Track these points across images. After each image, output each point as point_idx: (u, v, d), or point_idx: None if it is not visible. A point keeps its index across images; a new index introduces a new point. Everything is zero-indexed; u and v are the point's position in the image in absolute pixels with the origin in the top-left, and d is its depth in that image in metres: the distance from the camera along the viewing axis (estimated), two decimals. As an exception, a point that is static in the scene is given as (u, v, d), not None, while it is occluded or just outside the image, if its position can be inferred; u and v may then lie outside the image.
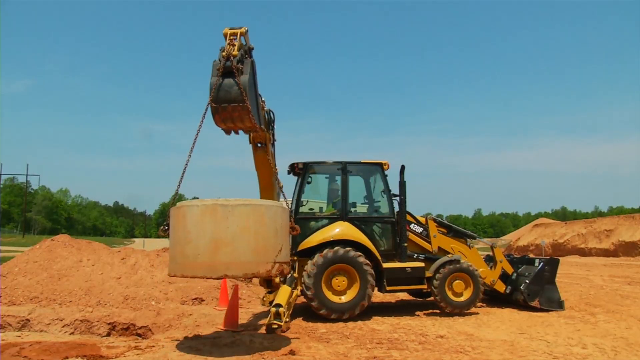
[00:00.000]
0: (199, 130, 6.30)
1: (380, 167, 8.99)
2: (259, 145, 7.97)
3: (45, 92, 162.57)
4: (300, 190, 8.75)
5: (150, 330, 7.81)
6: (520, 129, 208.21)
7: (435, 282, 8.55)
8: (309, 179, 8.80)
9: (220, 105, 6.18)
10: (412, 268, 8.61)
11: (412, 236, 8.99)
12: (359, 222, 8.68)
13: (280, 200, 7.89)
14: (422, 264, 8.77)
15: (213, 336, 6.64)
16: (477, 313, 8.73)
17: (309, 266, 7.89)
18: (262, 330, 7.01)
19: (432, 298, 8.92)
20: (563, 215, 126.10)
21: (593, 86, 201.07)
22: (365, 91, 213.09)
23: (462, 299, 8.61)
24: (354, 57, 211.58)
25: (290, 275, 7.76)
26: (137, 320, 8.13)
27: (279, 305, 6.78)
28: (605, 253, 27.77)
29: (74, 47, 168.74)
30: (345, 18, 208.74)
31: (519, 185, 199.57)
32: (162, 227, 6.28)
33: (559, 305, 9.02)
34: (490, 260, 9.84)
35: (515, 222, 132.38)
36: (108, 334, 8.07)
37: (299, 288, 7.97)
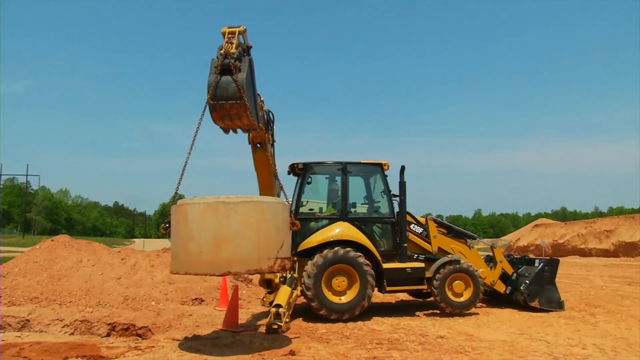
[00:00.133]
0: (198, 127, 6.33)
1: (380, 168, 8.99)
2: (258, 145, 7.98)
3: (45, 93, 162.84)
4: (300, 191, 8.75)
5: (150, 331, 7.80)
6: (520, 129, 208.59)
7: (435, 283, 8.55)
8: (309, 180, 8.80)
9: (218, 102, 6.20)
10: (412, 268, 8.61)
11: (412, 236, 8.99)
12: (359, 222, 8.68)
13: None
14: (422, 265, 8.77)
15: (213, 336, 6.64)
16: (477, 313, 8.73)
17: (309, 266, 7.89)
18: (262, 330, 7.01)
19: (432, 298, 8.92)
20: (563, 216, 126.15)
21: (593, 86, 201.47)
22: (365, 91, 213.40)
23: (462, 299, 8.61)
24: (354, 57, 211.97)
25: (290, 275, 7.77)
26: (137, 321, 8.13)
27: (279, 306, 6.79)
28: (605, 253, 27.75)
29: (74, 47, 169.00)
30: (345, 18, 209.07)
31: (519, 186, 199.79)
32: (162, 224, 6.29)
33: (559, 305, 9.01)
34: (490, 260, 9.84)
35: (515, 222, 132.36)
36: (108, 335, 8.07)
37: (299, 288, 7.97)
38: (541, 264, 9.25)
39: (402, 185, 8.91)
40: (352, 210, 8.85)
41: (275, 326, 6.68)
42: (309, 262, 7.96)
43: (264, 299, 9.31)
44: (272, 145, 8.42)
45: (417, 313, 8.90)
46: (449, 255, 9.04)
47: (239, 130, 7.14)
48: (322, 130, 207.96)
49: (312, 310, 7.90)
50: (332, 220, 8.58)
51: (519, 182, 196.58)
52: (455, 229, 9.59)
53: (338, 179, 8.99)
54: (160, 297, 9.43)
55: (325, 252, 7.95)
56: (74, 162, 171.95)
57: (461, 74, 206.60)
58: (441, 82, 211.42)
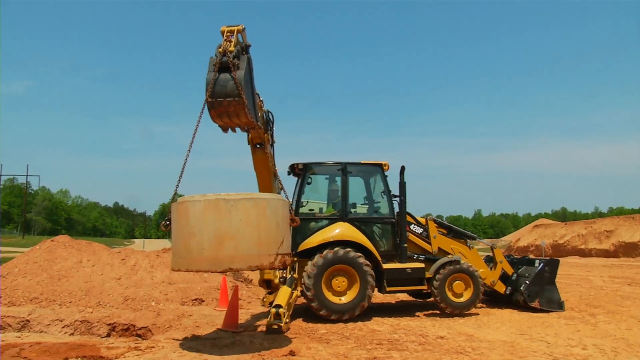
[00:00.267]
0: (197, 125, 6.36)
1: (380, 168, 9.00)
2: (258, 146, 7.99)
3: (45, 93, 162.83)
4: (300, 191, 8.75)
5: (150, 331, 7.80)
6: (520, 129, 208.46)
7: (435, 283, 8.55)
8: (309, 180, 8.80)
9: (216, 100, 6.22)
10: (412, 269, 8.61)
11: (412, 237, 8.99)
12: (359, 222, 8.68)
13: None
14: (422, 265, 8.77)
15: (213, 337, 6.64)
16: (477, 314, 8.73)
17: (309, 267, 7.89)
18: (262, 330, 7.00)
19: (432, 299, 8.92)
20: (563, 216, 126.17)
21: (593, 86, 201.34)
22: (365, 92, 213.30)
23: (462, 299, 8.61)
24: (354, 57, 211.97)
25: (290, 276, 7.77)
26: (137, 321, 8.13)
27: (279, 306, 6.79)
28: (605, 254, 27.74)
29: (74, 47, 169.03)
30: (345, 18, 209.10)
31: (519, 186, 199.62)
32: (163, 222, 6.30)
33: (559, 306, 9.01)
34: (490, 261, 9.84)
35: (515, 222, 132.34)
36: (108, 335, 8.07)
37: (299, 289, 7.98)
38: (541, 265, 9.25)
39: (402, 185, 8.92)
40: (352, 210, 8.85)
41: (275, 326, 6.68)
42: (309, 262, 7.96)
43: (264, 300, 9.32)
44: (272, 146, 8.42)
45: (417, 313, 8.89)
46: (449, 256, 9.04)
47: (238, 130, 7.15)
48: (322, 131, 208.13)
49: (312, 311, 7.89)
50: (332, 220, 8.58)
51: (519, 183, 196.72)
52: (455, 229, 9.59)
53: (338, 179, 8.99)
54: (160, 297, 9.43)
55: (325, 252, 7.94)
56: (74, 162, 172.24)
57: (461, 74, 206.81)
58: (441, 82, 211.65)
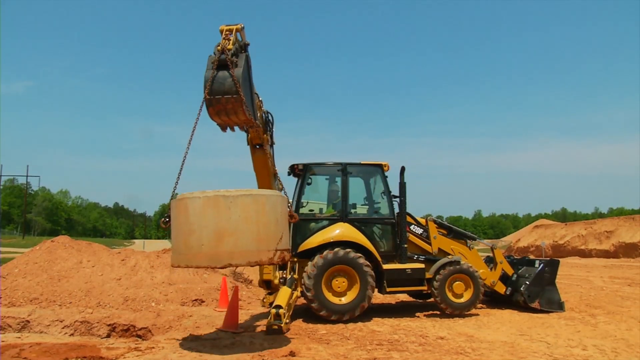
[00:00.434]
0: (196, 123, 6.38)
1: (380, 169, 9.00)
2: (257, 146, 7.98)
3: (45, 93, 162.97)
4: (300, 192, 8.75)
5: (150, 332, 7.80)
6: (520, 130, 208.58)
7: (435, 284, 8.55)
8: (309, 180, 8.80)
9: (214, 97, 6.23)
10: (412, 269, 8.61)
11: (412, 237, 8.99)
12: (359, 223, 8.68)
13: None
14: (422, 265, 8.76)
15: (213, 337, 6.64)
16: (477, 314, 8.72)
17: (309, 267, 7.89)
18: (262, 331, 7.00)
19: (432, 299, 8.92)
20: (563, 217, 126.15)
21: (593, 86, 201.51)
22: (365, 92, 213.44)
23: (462, 300, 8.61)
24: (354, 57, 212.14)
25: (290, 276, 7.77)
26: (137, 322, 8.12)
27: (279, 307, 6.79)
28: (606, 254, 27.73)
29: (74, 47, 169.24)
30: (345, 18, 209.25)
31: (519, 187, 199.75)
32: (162, 219, 6.32)
33: (559, 306, 9.01)
34: (490, 261, 9.84)
35: (515, 223, 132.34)
36: (108, 335, 8.06)
37: (299, 289, 7.98)
38: (541, 265, 9.25)
39: (402, 186, 8.92)
40: (352, 211, 8.85)
41: (276, 327, 6.68)
42: (309, 263, 7.96)
43: (264, 300, 9.32)
44: (272, 146, 8.42)
45: (417, 314, 8.89)
46: (449, 256, 9.04)
47: (237, 130, 7.15)
48: (322, 131, 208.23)
49: (312, 311, 7.89)
50: (332, 221, 8.59)
51: (519, 183, 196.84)
52: (456, 229, 9.59)
53: (338, 179, 8.99)
54: (160, 298, 9.43)
55: (325, 253, 7.94)
56: (74, 162, 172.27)
57: (461, 74, 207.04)
58: (441, 82, 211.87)
